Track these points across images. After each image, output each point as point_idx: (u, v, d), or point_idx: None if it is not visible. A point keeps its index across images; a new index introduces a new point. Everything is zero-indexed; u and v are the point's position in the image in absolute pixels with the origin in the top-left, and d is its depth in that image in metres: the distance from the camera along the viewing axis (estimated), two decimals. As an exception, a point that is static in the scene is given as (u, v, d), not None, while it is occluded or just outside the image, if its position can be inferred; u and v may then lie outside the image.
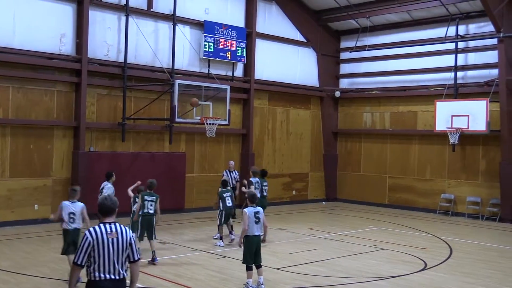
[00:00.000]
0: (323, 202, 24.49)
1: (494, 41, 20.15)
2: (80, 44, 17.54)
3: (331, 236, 16.29)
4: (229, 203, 14.43)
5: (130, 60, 18.65)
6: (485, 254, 14.37)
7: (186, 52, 20.44)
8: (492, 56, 20.45)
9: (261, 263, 10.22)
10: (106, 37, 18.36)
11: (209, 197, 20.43)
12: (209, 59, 20.85)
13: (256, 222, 10.06)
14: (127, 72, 18.39)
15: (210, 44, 20.66)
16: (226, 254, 13.20)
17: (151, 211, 12.40)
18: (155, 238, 12.54)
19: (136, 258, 5.87)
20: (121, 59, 18.46)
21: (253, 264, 10.10)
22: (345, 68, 25.85)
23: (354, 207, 23.19)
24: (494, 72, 20.38)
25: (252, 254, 10.05)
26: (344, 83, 25.84)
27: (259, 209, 10.27)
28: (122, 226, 5.88)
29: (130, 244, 5.84)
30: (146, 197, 12.50)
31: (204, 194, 20.73)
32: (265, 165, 23.00)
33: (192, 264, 12.17)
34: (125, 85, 18.35)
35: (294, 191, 24.19)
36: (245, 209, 10.08)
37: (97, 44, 18.10)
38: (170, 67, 19.14)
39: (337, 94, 25.18)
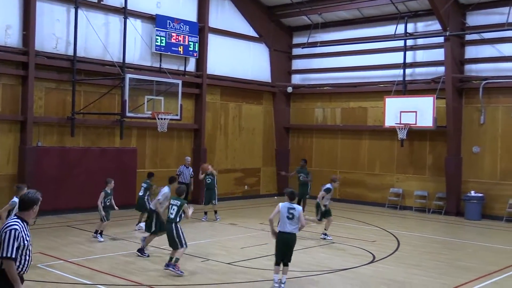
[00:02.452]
0: (275, 197, 24.64)
1: (441, 39, 20.69)
2: (27, 36, 17.08)
3: (282, 230, 16.39)
4: (171, 214, 11.18)
5: (80, 53, 18.30)
6: (431, 246, 14.81)
7: (138, 46, 20.19)
8: (439, 54, 20.99)
9: (289, 262, 10.10)
10: (55, 29, 17.95)
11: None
12: (161, 54, 20.66)
13: (288, 218, 9.88)
14: (76, 65, 18.03)
15: (162, 38, 20.47)
16: (178, 249, 13.12)
17: (172, 216, 11.08)
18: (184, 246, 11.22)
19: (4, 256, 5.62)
20: (70, 52, 18.10)
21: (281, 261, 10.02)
22: (297, 64, 26.06)
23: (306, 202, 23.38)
24: (441, 69, 20.93)
25: (279, 251, 9.98)
26: (296, 78, 26.05)
27: (296, 206, 10.06)
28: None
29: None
30: (172, 201, 11.28)
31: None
32: (217, 160, 23.05)
33: (143, 260, 12.07)
34: (75, 79, 17.99)
35: (246, 186, 24.28)
36: (280, 203, 10.14)
37: (45, 36, 17.67)
38: (121, 61, 18.85)
39: (289, 89, 25.37)
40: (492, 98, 20.29)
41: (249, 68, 24.40)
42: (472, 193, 19.81)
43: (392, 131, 21.22)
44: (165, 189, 12.63)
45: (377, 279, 11.00)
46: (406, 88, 21.81)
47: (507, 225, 18.74)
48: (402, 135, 20.69)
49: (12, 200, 10.79)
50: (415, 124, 20.39)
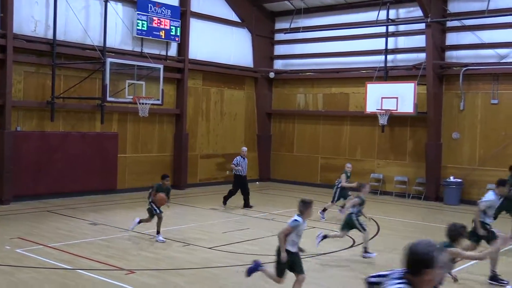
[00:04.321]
0: (257, 182, 24.71)
1: (422, 26, 20.79)
2: (4, 19, 16.79)
3: (264, 215, 16.51)
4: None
5: (59, 37, 18.06)
6: (410, 231, 14.99)
7: (119, 30, 19.99)
8: (420, 41, 21.10)
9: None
10: (34, 12, 17.68)
11: (141, 178, 20.28)
12: (142, 38, 20.48)
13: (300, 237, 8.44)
14: (56, 49, 17.80)
15: (143, 22, 20.29)
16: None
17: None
18: None
19: None
20: (50, 36, 17.85)
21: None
22: (279, 49, 26.02)
23: (287, 187, 23.53)
24: (422, 56, 21.05)
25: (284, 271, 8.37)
26: (279, 64, 26.03)
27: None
28: None
29: None
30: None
31: (137, 175, 20.51)
32: (199, 145, 23.04)
33: (123, 245, 12.07)
34: (54, 62, 17.77)
35: (228, 171, 24.24)
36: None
37: (23, 19, 17.41)
38: (102, 45, 18.65)
39: (271, 75, 25.35)
40: (472, 85, 20.48)
41: (231, 53, 24.32)
42: (451, 178, 20.05)
43: (373, 117, 21.34)
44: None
45: (357, 262, 11.12)
46: (387, 74, 21.92)
47: (485, 210, 19.00)
48: (383, 121, 20.84)
49: None
50: (396, 110, 20.53)
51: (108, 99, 17.88)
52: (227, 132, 24.30)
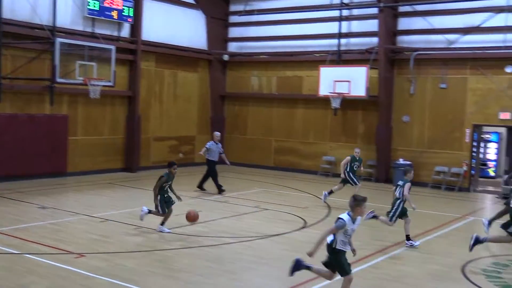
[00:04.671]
0: (211, 165, 24.65)
1: (375, 10, 21.06)
2: None
3: (216, 198, 16.54)
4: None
5: (6, 15, 17.45)
6: (360, 212, 15.27)
7: (69, 9, 19.49)
8: (373, 25, 21.35)
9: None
10: (-22, -11, 17.05)
11: (93, 161, 20.01)
12: (93, 18, 20.04)
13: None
14: (2, 28, 17.23)
15: (95, 2, 19.82)
16: (109, 217, 13.01)
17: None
18: None
19: None
20: (-4, 14, 17.27)
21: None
22: (234, 32, 25.90)
23: (241, 170, 23.59)
24: (374, 40, 21.32)
25: None
26: (233, 46, 25.92)
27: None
28: None
29: None
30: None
31: (88, 157, 20.18)
32: (152, 128, 22.83)
33: (73, 229, 11.92)
34: (1, 42, 17.21)
35: (181, 154, 24.09)
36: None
37: (-33, -4, 16.77)
38: (51, 24, 18.16)
39: (225, 57, 25.25)
40: (422, 69, 20.91)
41: (185, 35, 24.06)
42: (401, 160, 20.51)
43: (326, 100, 21.55)
44: None
45: (308, 243, 11.21)
46: (340, 58, 22.15)
47: (433, 191, 19.58)
48: (335, 104, 21.08)
49: None
50: (349, 93, 20.78)
51: (58, 80, 17.49)
52: (180, 115, 24.12)
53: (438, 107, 20.57)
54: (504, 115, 19.38)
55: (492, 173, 24.50)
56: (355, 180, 16.04)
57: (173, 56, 23.49)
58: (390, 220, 11.52)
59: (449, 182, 20.14)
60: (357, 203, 7.38)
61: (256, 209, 14.83)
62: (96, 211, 13.65)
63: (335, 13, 22.26)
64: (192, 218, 11.71)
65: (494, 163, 24.84)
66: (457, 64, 20.23)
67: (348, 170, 16.02)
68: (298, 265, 7.77)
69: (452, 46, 20.38)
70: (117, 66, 19.84)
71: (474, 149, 20.42)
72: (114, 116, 21.34)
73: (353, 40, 22.45)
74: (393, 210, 11.50)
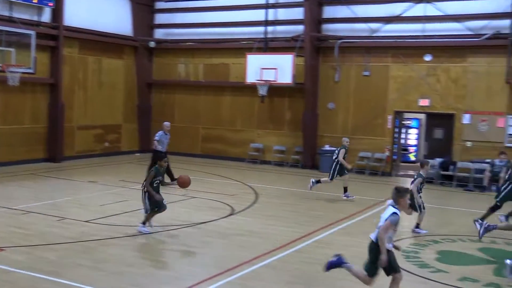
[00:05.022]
0: (137, 154, 24.32)
1: (301, -2, 21.31)
2: None
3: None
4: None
5: None
6: (287, 198, 15.55)
7: (-17, -8, 18.59)
8: (299, 13, 21.58)
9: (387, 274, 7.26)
10: None
11: (13, 151, 19.25)
12: (11, 1, 19.15)
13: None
14: None
15: (11, -16, 18.98)
16: (32, 209, 12.59)
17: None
18: None
19: None
20: None
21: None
22: (160, 18, 25.48)
23: (168, 158, 23.32)
24: (300, 28, 21.57)
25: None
26: (159, 33, 25.52)
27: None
28: None
29: None
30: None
31: (7, 147, 19.38)
32: (76, 116, 22.19)
33: (-8, 221, 11.45)
34: None
35: (106, 143, 23.63)
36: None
37: None
38: (-36, 7, 17.29)
39: (152, 44, 24.84)
40: (346, 57, 21.37)
41: (110, 21, 23.43)
42: (327, 147, 20.94)
43: (253, 87, 21.64)
44: None
45: (235, 230, 11.37)
46: (267, 46, 22.27)
47: (357, 176, 20.11)
48: (262, 91, 21.21)
49: None
50: (275, 81, 20.96)
51: (-27, 66, 16.69)
52: (105, 103, 23.55)
53: (362, 94, 21.12)
54: (424, 102, 20.15)
55: (413, 158, 25.47)
56: (334, 174, 15.44)
57: (98, 42, 22.85)
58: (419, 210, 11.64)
59: (373, 167, 20.78)
60: (400, 194, 6.93)
61: (184, 198, 14.76)
62: (17, 203, 13.16)
63: (261, 0, 22.34)
64: (184, 183, 10.90)
65: (414, 148, 25.82)
66: (380, 52, 20.82)
67: (336, 160, 15.43)
68: (338, 262, 7.39)
69: (375, 34, 20.95)
70: (38, 53, 19.12)
71: (396, 135, 21.14)
72: (35, 104, 20.57)
73: (279, 27, 22.61)
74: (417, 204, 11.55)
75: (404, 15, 20.37)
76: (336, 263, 7.37)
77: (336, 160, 15.48)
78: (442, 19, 19.88)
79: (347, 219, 12.76)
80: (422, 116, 24.10)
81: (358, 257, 9.53)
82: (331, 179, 15.49)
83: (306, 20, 21.14)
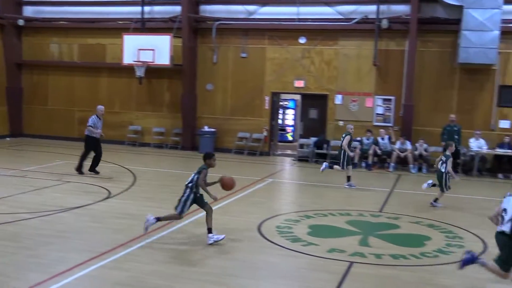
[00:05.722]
0: (7, 139, 23.01)
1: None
2: None
3: (13, 173, 15.49)
4: None
5: None
6: (166, 179, 15.50)
7: None
8: (176, -7, 21.41)
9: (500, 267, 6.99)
10: None
11: None
12: None
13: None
14: None
15: None
16: None
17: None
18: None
19: None
20: None
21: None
22: (29, -5, 24.17)
23: (42, 142, 22.40)
24: (178, 8, 21.39)
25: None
26: (28, 11, 24.15)
27: None
28: None
29: None
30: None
31: None
32: None
33: None
34: None
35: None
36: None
37: None
38: None
39: (20, 22, 23.46)
40: (224, 39, 21.53)
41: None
42: (206, 128, 21.08)
43: (131, 68, 21.20)
44: None
45: (110, 213, 11.16)
46: (144, 26, 21.88)
47: (236, 157, 20.49)
48: (140, 72, 20.86)
49: None
50: (153, 62, 20.70)
51: None
52: (-30, 84, 22.04)
53: (240, 75, 21.42)
54: (299, 83, 20.84)
55: (290, 138, 26.33)
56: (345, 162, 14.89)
57: (-42, 19, 21.28)
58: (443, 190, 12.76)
59: (251, 147, 21.23)
60: None
61: (58, 182, 14.22)
62: None
63: (136, -21, 21.88)
64: (229, 185, 9.58)
65: (291, 128, 26.69)
66: (257, 34, 21.18)
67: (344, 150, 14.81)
68: (472, 259, 7.24)
69: (252, 17, 21.26)
70: None
71: (274, 116, 21.71)
72: None
73: (156, 8, 22.26)
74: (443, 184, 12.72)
75: (279, -2, 20.87)
76: (471, 260, 7.26)
77: (342, 147, 14.88)
78: (315, 3, 20.60)
79: (225, 198, 12.92)
80: (298, 97, 24.90)
81: (234, 234, 9.77)
82: (342, 168, 14.88)
83: (183, 0, 20.98)
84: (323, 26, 20.39)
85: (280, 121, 24.64)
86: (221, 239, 9.17)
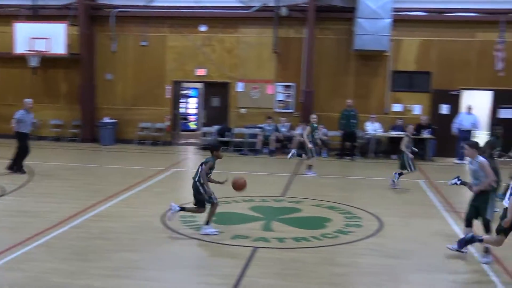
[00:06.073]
0: None
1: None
2: None
3: None
4: None
5: None
6: (64, 173, 14.96)
7: None
8: (69, -21, 20.57)
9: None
10: None
11: None
12: None
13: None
14: None
15: None
16: None
17: None
18: None
19: None
20: None
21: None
22: None
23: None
24: (73, -5, 20.65)
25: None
26: None
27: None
28: None
29: None
30: None
31: None
32: None
33: None
34: None
35: None
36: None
37: None
38: None
39: None
40: (124, 27, 21.06)
41: None
42: (106, 119, 20.55)
43: (23, 58, 20.22)
44: None
45: (5, 212, 10.63)
46: (37, 13, 20.90)
47: (138, 147, 20.18)
48: (34, 62, 19.97)
49: None
50: (48, 51, 19.89)
51: None
52: None
53: (141, 64, 21.04)
54: (200, 72, 20.78)
55: (193, 126, 26.24)
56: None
57: None
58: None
59: (154, 137, 20.95)
60: None
61: None
62: None
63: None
64: (240, 185, 9.34)
65: (195, 117, 26.60)
66: (157, 22, 20.86)
67: (310, 140, 15.03)
68: (472, 239, 7.90)
69: (151, 4, 20.87)
70: None
71: (176, 105, 21.52)
72: None
73: (51, -5, 21.33)
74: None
75: (176, -15, 20.63)
76: (470, 240, 7.93)
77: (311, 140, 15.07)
78: (214, -10, 20.57)
79: (127, 190, 12.71)
80: (200, 86, 24.82)
81: (139, 227, 9.63)
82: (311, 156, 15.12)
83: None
84: (224, 14, 20.41)
85: (182, 110, 24.47)
86: (214, 233, 9.18)
